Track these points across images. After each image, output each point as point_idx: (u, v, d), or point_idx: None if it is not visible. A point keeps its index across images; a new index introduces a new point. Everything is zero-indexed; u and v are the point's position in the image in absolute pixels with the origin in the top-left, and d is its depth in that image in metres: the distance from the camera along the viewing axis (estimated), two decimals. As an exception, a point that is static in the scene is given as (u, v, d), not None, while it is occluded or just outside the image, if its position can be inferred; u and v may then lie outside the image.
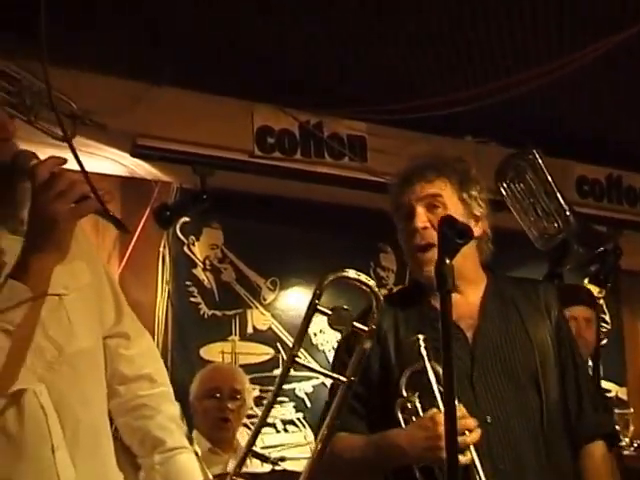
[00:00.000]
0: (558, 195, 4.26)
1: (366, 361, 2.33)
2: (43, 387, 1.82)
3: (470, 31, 4.68)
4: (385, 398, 2.51)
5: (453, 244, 1.97)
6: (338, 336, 5.89)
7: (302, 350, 5.90)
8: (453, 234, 1.97)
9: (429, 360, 2.43)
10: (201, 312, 5.61)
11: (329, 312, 2.05)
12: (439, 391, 2.38)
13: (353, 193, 5.73)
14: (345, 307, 2.05)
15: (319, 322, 6.05)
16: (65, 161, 1.84)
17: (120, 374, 2.08)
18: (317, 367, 5.72)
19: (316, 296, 1.99)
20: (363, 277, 2.01)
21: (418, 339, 2.46)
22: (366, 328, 1.91)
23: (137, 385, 2.09)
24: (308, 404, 5.93)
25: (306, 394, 5.94)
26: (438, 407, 2.37)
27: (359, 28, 4.62)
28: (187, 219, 5.48)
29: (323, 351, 6.06)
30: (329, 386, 2.58)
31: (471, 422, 2.34)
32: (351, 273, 2.19)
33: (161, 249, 5.47)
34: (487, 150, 5.89)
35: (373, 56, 4.91)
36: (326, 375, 2.34)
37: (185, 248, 5.62)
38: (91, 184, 1.77)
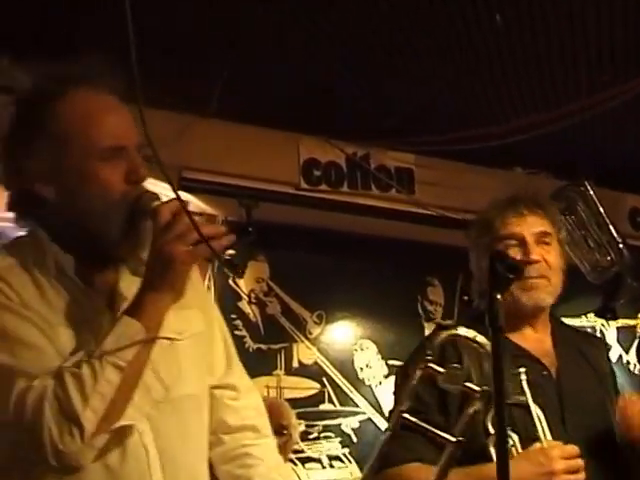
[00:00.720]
0: (610, 227, 4.23)
1: (444, 392, 2.38)
2: (147, 426, 1.84)
3: (520, 62, 4.66)
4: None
5: (504, 279, 1.95)
6: (384, 371, 5.96)
7: (348, 384, 5.89)
8: (504, 269, 1.95)
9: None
10: (246, 346, 5.59)
11: (441, 370, 2.04)
12: (541, 427, 2.41)
13: (400, 225, 5.72)
14: (457, 365, 2.03)
15: (365, 356, 6.05)
16: (187, 203, 1.85)
17: (225, 424, 2.09)
18: (363, 401, 5.79)
19: (426, 354, 1.97)
20: (476, 336, 1.99)
21: (519, 373, 2.47)
22: (478, 389, 1.88)
23: (241, 435, 2.10)
24: (354, 439, 5.88)
25: (352, 430, 5.89)
26: (541, 442, 2.39)
27: (407, 58, 4.62)
28: (232, 252, 5.44)
29: (370, 386, 6.04)
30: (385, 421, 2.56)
31: (581, 462, 2.37)
32: (461, 331, 2.18)
33: (206, 282, 5.48)
34: (537, 182, 5.83)
35: (420, 86, 4.90)
36: (437, 435, 2.28)
37: (230, 281, 5.61)
38: (209, 227, 1.81)
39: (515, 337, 2.63)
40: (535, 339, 2.65)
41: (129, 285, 1.90)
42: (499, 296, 1.91)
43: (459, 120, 5.21)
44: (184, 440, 1.91)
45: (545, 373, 2.59)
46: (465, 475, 2.37)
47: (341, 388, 5.90)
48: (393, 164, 5.61)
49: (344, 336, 6.02)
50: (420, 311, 6.31)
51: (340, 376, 5.90)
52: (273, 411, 4.79)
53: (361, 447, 5.84)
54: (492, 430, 2.35)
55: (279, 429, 4.66)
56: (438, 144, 5.24)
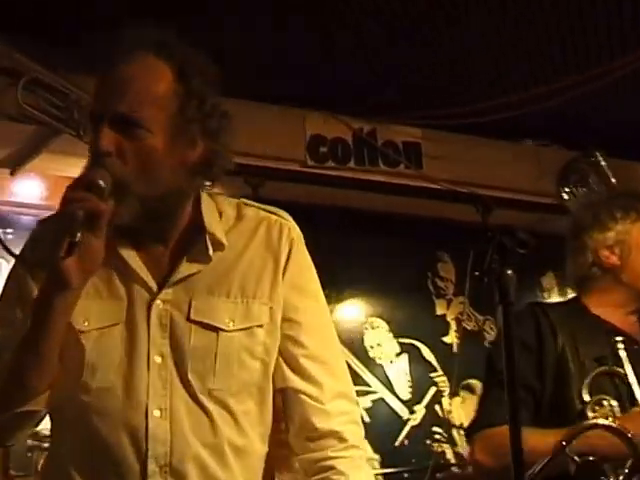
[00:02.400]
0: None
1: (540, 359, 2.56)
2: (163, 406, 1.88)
3: (529, 30, 4.67)
4: (560, 397, 2.60)
5: (514, 254, 1.99)
6: (396, 349, 5.98)
7: (359, 364, 5.89)
8: (514, 244, 1.98)
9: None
10: None
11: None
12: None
13: (409, 201, 5.76)
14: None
15: (376, 335, 6.05)
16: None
17: (312, 425, 1.97)
18: (374, 380, 5.80)
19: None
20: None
21: (617, 342, 2.59)
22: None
23: (327, 442, 1.96)
24: (367, 419, 5.88)
25: (364, 409, 5.90)
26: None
27: (412, 30, 4.63)
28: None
29: (381, 365, 6.07)
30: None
31: None
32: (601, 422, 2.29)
33: None
34: (548, 153, 5.91)
35: (427, 58, 4.93)
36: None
37: None
38: None
39: (607, 316, 2.71)
40: (626, 319, 2.73)
41: None
42: (509, 271, 1.94)
43: (468, 92, 5.22)
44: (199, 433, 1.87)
45: (636, 347, 2.65)
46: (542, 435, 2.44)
47: (352, 367, 5.90)
48: (401, 139, 5.62)
49: (354, 314, 6.05)
50: (431, 287, 6.33)
51: (351, 355, 5.92)
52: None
53: (374, 427, 5.85)
54: (587, 397, 2.52)
55: None
56: (446, 117, 5.25)
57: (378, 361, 6.06)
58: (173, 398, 1.83)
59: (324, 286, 6.13)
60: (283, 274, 1.97)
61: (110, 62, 1.84)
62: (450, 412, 6.20)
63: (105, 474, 1.82)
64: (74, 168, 4.86)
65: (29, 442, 4.73)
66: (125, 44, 1.86)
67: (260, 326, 1.92)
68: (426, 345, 6.18)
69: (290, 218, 2.08)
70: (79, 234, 1.63)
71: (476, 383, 5.99)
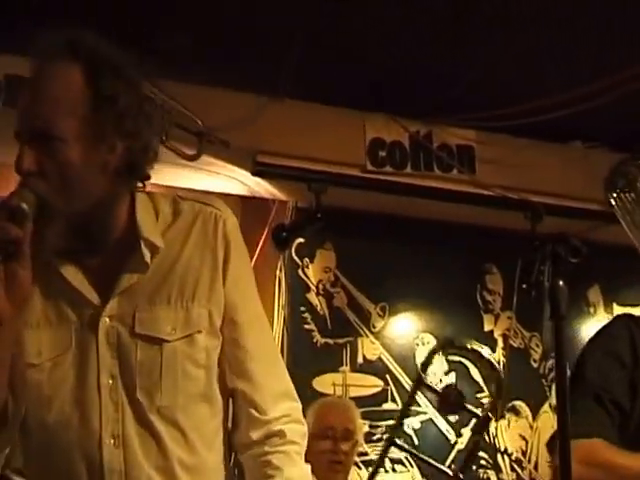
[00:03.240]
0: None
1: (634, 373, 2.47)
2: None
3: (579, 30, 4.70)
4: None
5: (566, 264, 1.97)
6: (444, 367, 5.84)
7: (410, 382, 5.79)
8: (567, 253, 1.97)
9: None
10: (314, 340, 5.65)
11: (439, 390, 1.97)
12: None
13: (460, 208, 5.72)
14: (456, 387, 1.95)
15: (426, 351, 5.95)
16: None
17: (249, 439, 2.00)
18: (424, 400, 5.70)
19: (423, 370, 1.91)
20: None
21: None
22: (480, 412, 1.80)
23: (268, 441, 1.98)
24: (416, 441, 5.85)
25: (414, 430, 5.87)
26: None
27: (467, 31, 4.71)
28: (302, 240, 5.47)
29: (431, 383, 5.89)
30: None
31: None
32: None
33: (278, 272, 5.49)
34: (598, 155, 5.83)
35: (481, 60, 4.90)
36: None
37: (300, 271, 5.65)
38: None
39: None
40: None
41: None
42: (561, 282, 1.93)
43: (519, 93, 5.18)
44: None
45: None
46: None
47: (403, 386, 5.87)
48: (455, 142, 5.62)
49: (406, 330, 6.01)
50: (479, 301, 6.25)
51: (402, 373, 5.89)
52: (340, 413, 4.76)
53: (423, 449, 5.69)
54: None
55: (346, 435, 4.63)
56: (498, 119, 5.24)
57: (428, 380, 5.90)
58: (125, 422, 1.83)
59: (380, 299, 6.05)
60: (223, 272, 1.93)
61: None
62: (495, 436, 6.11)
63: None
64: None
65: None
66: (39, 48, 1.82)
67: (200, 332, 1.89)
68: (473, 364, 6.04)
69: (225, 207, 2.01)
70: None
71: (522, 405, 5.98)
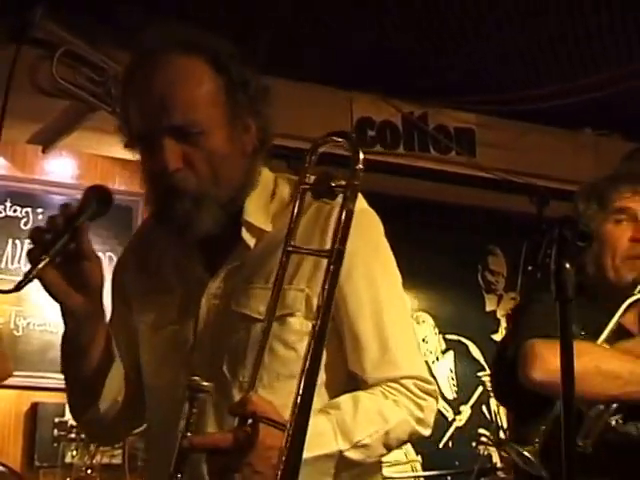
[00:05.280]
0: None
1: None
2: None
3: (589, 15, 4.57)
4: None
5: (573, 248, 1.89)
6: (442, 346, 5.89)
7: None
8: (574, 236, 1.89)
9: None
10: None
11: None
12: None
13: (460, 190, 5.66)
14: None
15: (421, 330, 5.99)
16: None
17: None
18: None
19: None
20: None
21: None
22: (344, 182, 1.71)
23: None
24: (411, 419, 5.82)
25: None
26: None
27: (467, 12, 4.54)
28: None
29: (426, 362, 5.93)
30: None
31: None
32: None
33: None
34: (609, 144, 5.79)
35: (482, 41, 4.83)
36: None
37: None
38: None
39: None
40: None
41: None
42: (568, 265, 1.86)
43: (524, 78, 5.15)
44: None
45: None
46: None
47: (397, 364, 5.86)
48: (453, 124, 5.54)
49: None
50: (480, 282, 6.28)
51: (397, 350, 5.87)
52: None
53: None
54: None
55: None
56: (502, 103, 5.19)
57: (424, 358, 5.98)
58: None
59: None
60: None
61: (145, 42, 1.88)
62: (497, 413, 6.16)
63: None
64: (108, 146, 4.85)
65: (55, 432, 4.75)
66: (149, 48, 1.88)
67: (292, 314, 1.88)
68: (474, 343, 6.12)
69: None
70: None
71: None
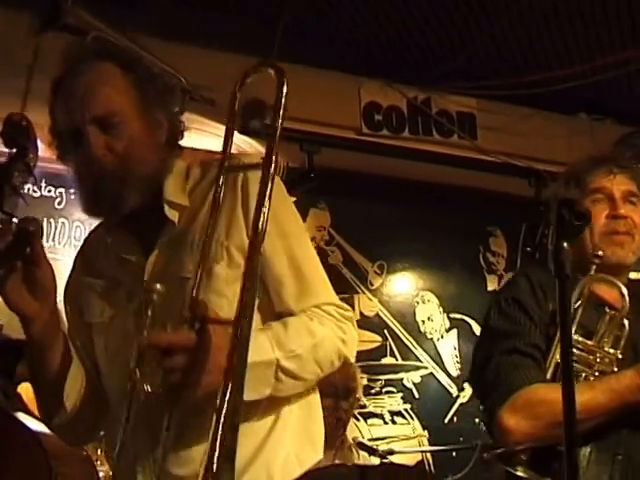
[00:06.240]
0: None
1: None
2: None
3: (586, 3, 4.69)
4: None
5: (571, 227, 1.98)
6: (446, 324, 5.99)
7: (410, 338, 5.89)
8: (571, 216, 1.97)
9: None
10: None
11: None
12: None
13: (462, 172, 5.74)
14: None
15: (426, 309, 6.08)
16: None
17: None
18: (425, 355, 5.81)
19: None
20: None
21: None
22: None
23: None
24: (416, 395, 5.96)
25: (414, 384, 5.97)
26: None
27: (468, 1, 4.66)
28: (293, 199, 5.46)
29: (431, 339, 6.09)
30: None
31: None
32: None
33: None
34: (603, 128, 5.88)
35: (484, 29, 4.94)
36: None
37: None
38: None
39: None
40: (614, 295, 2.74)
41: None
42: (565, 244, 1.94)
43: (523, 64, 5.26)
44: None
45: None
46: (589, 387, 2.50)
47: (402, 341, 5.96)
48: (455, 109, 5.65)
49: (405, 288, 6.09)
50: (482, 262, 6.34)
51: (402, 329, 5.97)
52: (341, 371, 4.79)
53: (422, 403, 5.93)
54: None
55: (347, 393, 4.60)
56: (501, 88, 5.25)
57: (429, 336, 6.08)
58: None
59: (377, 258, 6.05)
60: (243, 213, 2.08)
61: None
62: None
63: None
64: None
65: None
66: (71, 57, 2.11)
67: (217, 263, 2.05)
68: (476, 321, 6.15)
69: (249, 157, 2.18)
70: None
71: None
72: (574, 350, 2.50)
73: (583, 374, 2.53)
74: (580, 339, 2.55)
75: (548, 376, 2.53)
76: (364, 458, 4.51)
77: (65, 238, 5.05)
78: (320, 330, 2.05)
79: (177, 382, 1.83)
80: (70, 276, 2.28)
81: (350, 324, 2.13)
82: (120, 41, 4.39)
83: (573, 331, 2.52)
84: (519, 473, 2.40)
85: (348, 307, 2.16)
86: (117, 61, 2.08)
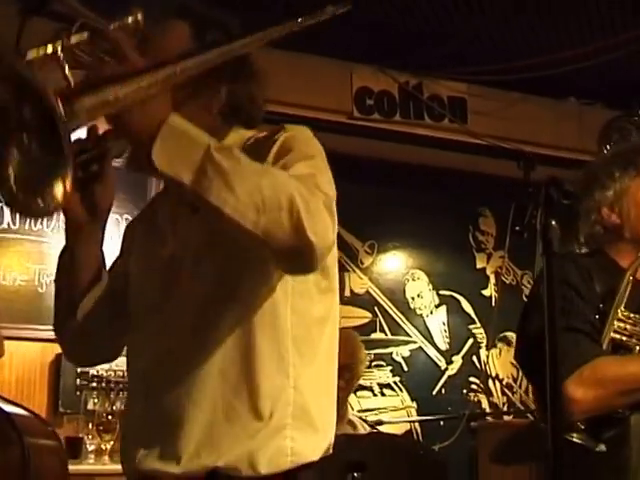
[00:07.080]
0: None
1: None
2: None
3: None
4: None
5: (559, 206, 2.04)
6: (436, 301, 6.12)
7: (399, 314, 6.01)
8: (559, 195, 2.04)
9: None
10: None
11: None
12: None
13: (453, 155, 5.82)
14: None
15: (416, 286, 6.18)
16: None
17: None
18: (414, 330, 5.93)
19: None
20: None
21: None
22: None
23: None
24: (405, 368, 6.06)
25: (403, 358, 6.07)
26: None
27: None
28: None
29: (421, 315, 6.21)
30: None
31: None
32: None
33: None
34: (592, 112, 5.94)
35: (474, 15, 4.97)
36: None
37: None
38: None
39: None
40: None
41: None
42: (554, 222, 2.01)
43: (513, 49, 5.29)
44: None
45: None
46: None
47: (392, 317, 6.06)
48: (446, 93, 5.70)
49: (395, 266, 6.18)
50: (471, 241, 6.44)
51: (392, 305, 6.07)
52: (342, 345, 4.77)
53: (412, 376, 6.05)
54: None
55: (344, 370, 4.15)
56: (492, 73, 5.31)
57: (418, 312, 6.18)
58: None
59: (368, 237, 6.10)
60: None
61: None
62: (487, 363, 6.32)
63: None
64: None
65: (78, 381, 4.92)
66: (152, 10, 2.02)
67: None
68: (465, 298, 6.30)
69: (292, 127, 2.05)
70: None
71: (513, 335, 6.07)
72: (627, 326, 2.56)
73: (637, 347, 2.58)
74: (632, 315, 2.57)
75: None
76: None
77: (54, 222, 4.94)
78: (282, 173, 1.80)
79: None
80: (131, 222, 2.27)
81: (329, 212, 1.84)
82: (107, 29, 4.45)
83: (623, 307, 2.56)
84: (575, 439, 2.46)
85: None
86: (194, 24, 2.01)
